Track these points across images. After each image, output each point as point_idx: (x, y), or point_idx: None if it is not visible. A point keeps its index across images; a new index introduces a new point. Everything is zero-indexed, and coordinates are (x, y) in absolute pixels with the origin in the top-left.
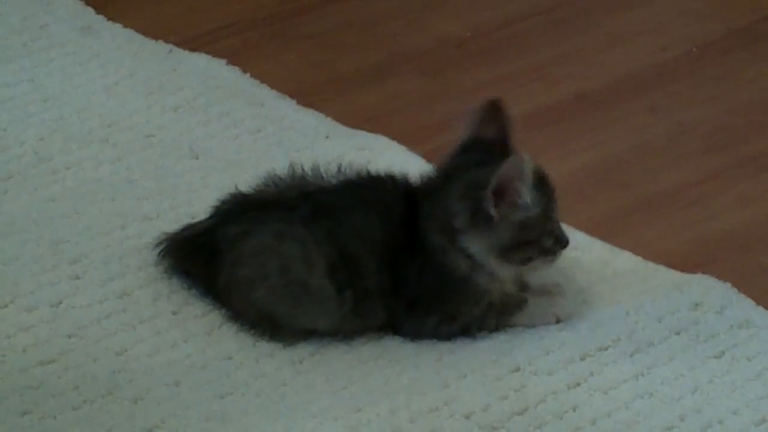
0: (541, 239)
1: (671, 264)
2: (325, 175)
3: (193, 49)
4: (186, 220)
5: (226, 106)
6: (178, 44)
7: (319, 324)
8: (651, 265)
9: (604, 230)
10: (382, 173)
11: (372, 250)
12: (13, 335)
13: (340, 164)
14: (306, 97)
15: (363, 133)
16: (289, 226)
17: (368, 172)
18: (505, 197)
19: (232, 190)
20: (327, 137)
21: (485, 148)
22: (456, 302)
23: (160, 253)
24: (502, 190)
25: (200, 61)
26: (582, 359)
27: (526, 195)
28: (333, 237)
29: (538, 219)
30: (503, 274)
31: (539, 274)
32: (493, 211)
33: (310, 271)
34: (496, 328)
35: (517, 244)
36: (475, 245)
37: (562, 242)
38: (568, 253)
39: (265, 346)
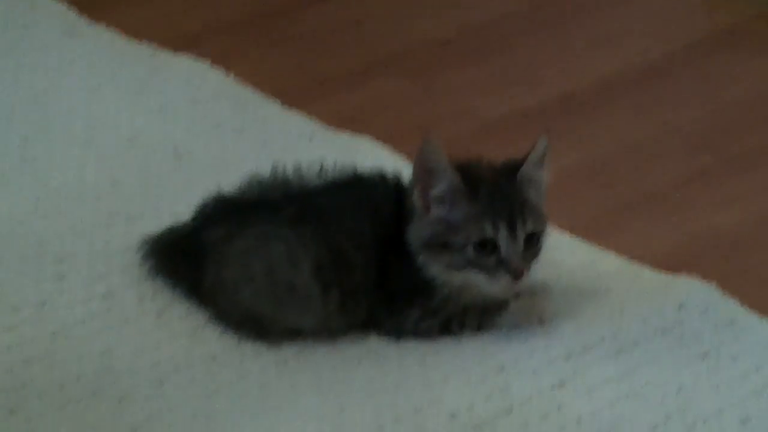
0: (466, 248)
1: (656, 265)
2: (307, 176)
3: (176, 51)
4: (170, 221)
5: (209, 108)
6: (162, 46)
7: (304, 323)
8: (636, 266)
9: (588, 231)
10: (372, 171)
11: (360, 246)
12: None
13: (322, 165)
14: (290, 99)
15: (347, 134)
16: (273, 228)
17: (356, 171)
18: (426, 187)
19: (216, 191)
20: (311, 139)
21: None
22: (431, 297)
23: (143, 255)
24: (419, 177)
25: (184, 63)
26: (566, 359)
27: (442, 187)
28: (320, 236)
29: (466, 224)
30: (442, 276)
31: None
32: (416, 201)
33: (295, 271)
34: (479, 328)
35: (438, 244)
36: (410, 236)
37: (508, 268)
38: (552, 254)
39: (250, 347)
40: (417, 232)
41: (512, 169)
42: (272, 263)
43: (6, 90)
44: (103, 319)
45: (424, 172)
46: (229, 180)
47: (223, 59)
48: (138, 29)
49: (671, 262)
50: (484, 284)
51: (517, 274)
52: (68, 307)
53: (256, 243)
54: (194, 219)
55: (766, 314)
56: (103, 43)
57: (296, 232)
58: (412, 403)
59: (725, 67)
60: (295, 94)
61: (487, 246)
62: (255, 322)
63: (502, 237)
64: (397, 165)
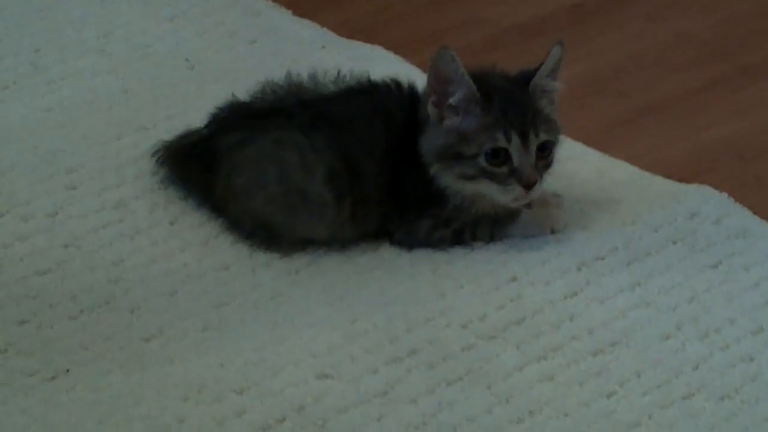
0: (478, 157)
1: (668, 174)
2: (322, 83)
3: None
4: (182, 130)
5: (221, 17)
6: None
7: (316, 232)
8: (648, 175)
9: (600, 140)
10: (387, 79)
11: (373, 154)
12: (9, 245)
13: (339, 71)
14: (301, 8)
15: (358, 43)
16: (287, 134)
17: (370, 79)
18: (441, 96)
19: (228, 100)
20: (323, 47)
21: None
22: (443, 206)
23: (157, 160)
24: (434, 86)
25: None
26: (579, 269)
27: (458, 96)
28: (333, 143)
29: (478, 133)
30: (455, 186)
31: (497, 204)
32: (430, 111)
33: (308, 178)
34: (492, 238)
35: (451, 154)
36: (423, 146)
37: (520, 177)
38: (564, 164)
39: (262, 257)
40: (430, 143)
41: (525, 78)
42: (285, 170)
43: (17, 0)
44: (115, 229)
45: (440, 82)
46: (241, 89)
47: None
48: None
49: (684, 172)
50: (496, 194)
51: (528, 184)
52: (80, 217)
53: (269, 149)
54: (207, 126)
55: None
56: None
57: (310, 139)
58: (424, 313)
59: None
60: (307, 2)
61: (500, 155)
62: (267, 231)
63: (515, 146)
64: (409, 74)
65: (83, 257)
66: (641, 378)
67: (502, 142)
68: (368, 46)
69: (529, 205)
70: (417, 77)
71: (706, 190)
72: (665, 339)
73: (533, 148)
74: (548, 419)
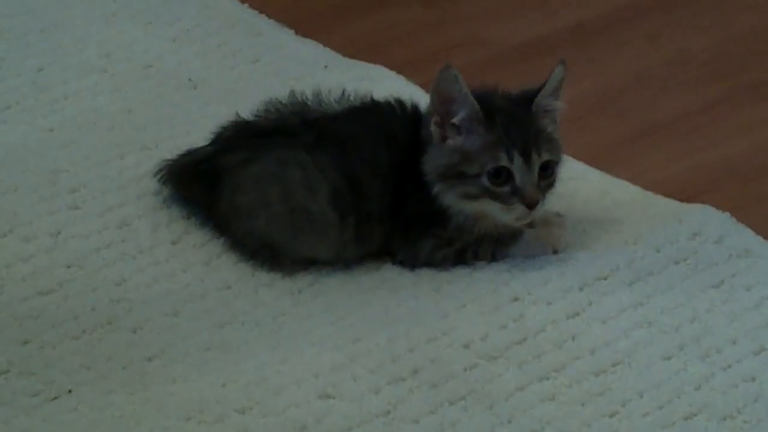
0: (480, 176)
1: (670, 193)
2: (326, 102)
3: None
4: (184, 150)
5: (224, 36)
6: None
7: (319, 251)
8: (650, 194)
9: (603, 159)
10: (390, 98)
11: (376, 174)
12: (12, 265)
13: (344, 90)
14: (304, 27)
15: (362, 63)
16: (291, 153)
17: (374, 99)
18: (444, 116)
19: (231, 119)
20: (325, 67)
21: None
22: (446, 226)
23: (160, 179)
24: (437, 106)
25: None
26: (581, 289)
27: (462, 116)
28: (336, 163)
29: (481, 152)
30: (457, 205)
31: (499, 224)
32: (433, 130)
33: (311, 197)
34: (494, 258)
35: (454, 173)
36: (425, 166)
37: (522, 197)
38: (566, 184)
39: (264, 276)
40: (433, 162)
41: (528, 98)
42: (289, 189)
43: (21, 19)
44: (118, 249)
45: (443, 101)
46: (244, 108)
47: None
48: None
49: (685, 191)
50: (498, 213)
51: (531, 203)
52: (82, 237)
53: (272, 168)
54: (211, 143)
55: None
56: None
57: (313, 158)
58: (427, 332)
59: None
60: (310, 21)
61: (502, 175)
62: (270, 250)
63: (517, 166)
64: (411, 93)
65: (86, 277)
66: (643, 398)
67: (504, 162)
68: (371, 65)
69: (531, 225)
70: (420, 97)
71: (708, 210)
72: (667, 359)
73: (536, 167)
74: None
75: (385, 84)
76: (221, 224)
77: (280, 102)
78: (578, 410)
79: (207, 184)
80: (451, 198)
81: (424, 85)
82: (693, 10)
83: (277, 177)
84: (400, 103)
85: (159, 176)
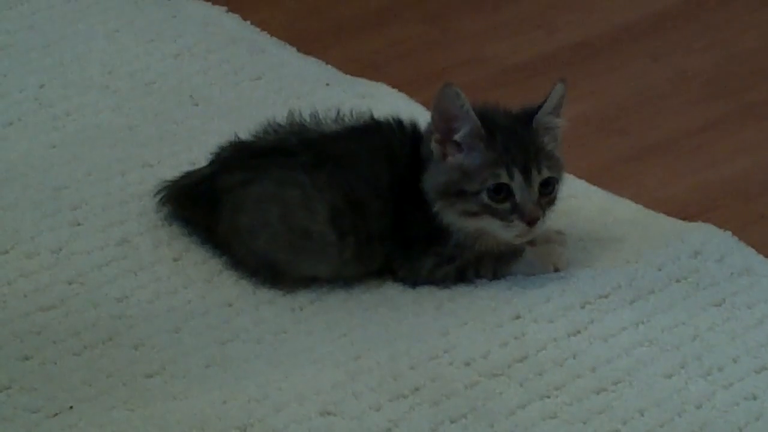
0: (481, 194)
1: (671, 212)
2: (323, 122)
3: None
4: (186, 167)
5: (226, 54)
6: None
7: (319, 271)
8: (651, 213)
9: (604, 178)
10: (389, 118)
11: (376, 193)
12: (14, 281)
13: (339, 110)
14: (306, 44)
15: (363, 80)
16: (290, 173)
17: (373, 118)
18: (445, 133)
19: (232, 136)
20: (327, 84)
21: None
22: (447, 244)
23: (160, 200)
24: (438, 123)
25: (200, 8)
26: (582, 307)
27: (464, 133)
28: (336, 182)
29: (481, 170)
30: (458, 223)
31: (500, 241)
32: (434, 147)
33: (311, 217)
34: (495, 276)
35: (454, 191)
36: (425, 184)
37: (522, 214)
38: (567, 202)
39: (266, 293)
40: (433, 180)
41: (528, 115)
42: (288, 209)
43: (23, 35)
44: (119, 266)
45: (445, 119)
46: (246, 125)
47: (240, 4)
48: None
49: (687, 210)
50: (498, 230)
51: (531, 220)
52: (84, 254)
53: (272, 188)
54: (210, 164)
55: None
56: None
57: (312, 178)
58: (428, 350)
59: (742, 14)
60: (312, 39)
61: (502, 192)
62: (270, 269)
63: (517, 183)
64: (412, 111)
65: (87, 293)
66: (645, 416)
67: (504, 179)
68: (373, 83)
69: (532, 243)
70: (421, 114)
71: (710, 229)
72: (668, 377)
73: (536, 184)
74: None
75: (386, 102)
76: (222, 244)
77: (278, 122)
78: (579, 428)
79: (206, 205)
80: (451, 215)
81: (425, 103)
82: (694, 30)
83: (276, 197)
84: (398, 121)
85: (159, 198)
